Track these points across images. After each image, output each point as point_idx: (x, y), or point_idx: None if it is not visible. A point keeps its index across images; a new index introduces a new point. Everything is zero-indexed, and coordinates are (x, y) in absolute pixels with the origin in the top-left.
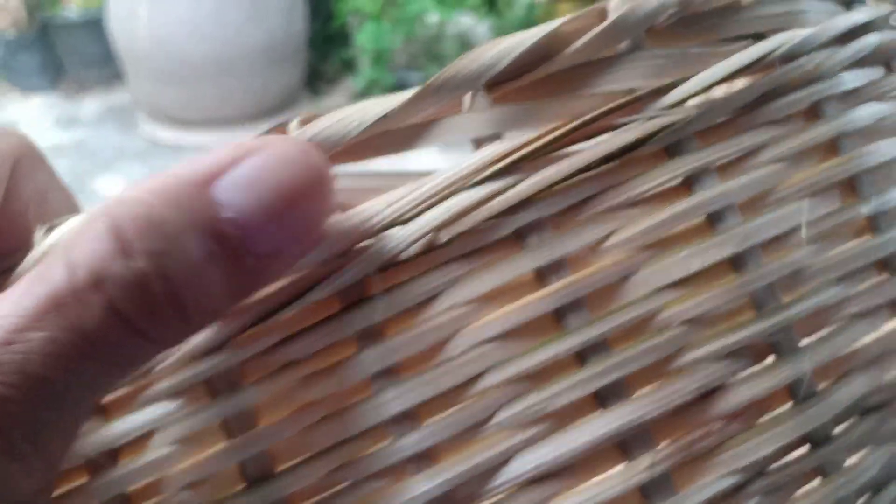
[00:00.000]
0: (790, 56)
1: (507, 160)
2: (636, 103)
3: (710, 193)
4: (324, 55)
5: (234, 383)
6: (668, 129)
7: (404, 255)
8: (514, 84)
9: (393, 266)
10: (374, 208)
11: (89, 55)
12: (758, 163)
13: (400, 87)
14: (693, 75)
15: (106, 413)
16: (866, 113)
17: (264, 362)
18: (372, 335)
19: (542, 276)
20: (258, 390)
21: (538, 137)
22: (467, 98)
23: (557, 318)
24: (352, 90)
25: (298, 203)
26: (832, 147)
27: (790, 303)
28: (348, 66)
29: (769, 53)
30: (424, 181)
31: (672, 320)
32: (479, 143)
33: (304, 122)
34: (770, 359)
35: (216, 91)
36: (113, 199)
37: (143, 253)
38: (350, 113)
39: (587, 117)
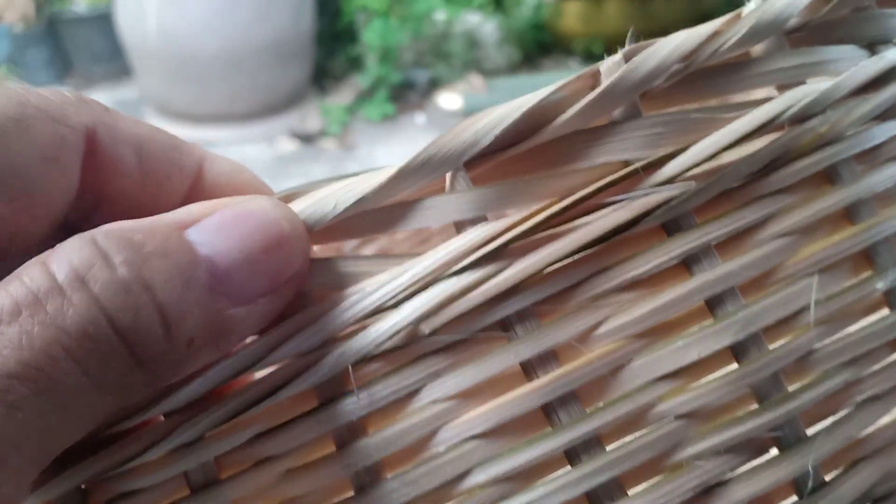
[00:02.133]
0: (803, 115)
1: (491, 246)
2: (630, 178)
3: (710, 276)
4: (331, 52)
5: (212, 477)
6: (665, 206)
7: (384, 347)
8: (499, 158)
9: (373, 358)
10: (353, 298)
11: (97, 50)
12: (763, 238)
13: (407, 84)
14: (694, 143)
15: (88, 499)
16: (889, 173)
17: (241, 457)
18: (352, 431)
19: (530, 368)
20: (235, 485)
21: (523, 220)
22: (449, 176)
23: (546, 414)
24: (359, 87)
25: (268, 251)
26: (847, 215)
27: (796, 392)
28: (355, 64)
29: (780, 114)
30: (404, 268)
31: (668, 414)
32: (461, 226)
33: (283, 201)
34: (773, 451)
35: (224, 87)
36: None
37: (124, 263)
38: (327, 194)
39: (576, 196)
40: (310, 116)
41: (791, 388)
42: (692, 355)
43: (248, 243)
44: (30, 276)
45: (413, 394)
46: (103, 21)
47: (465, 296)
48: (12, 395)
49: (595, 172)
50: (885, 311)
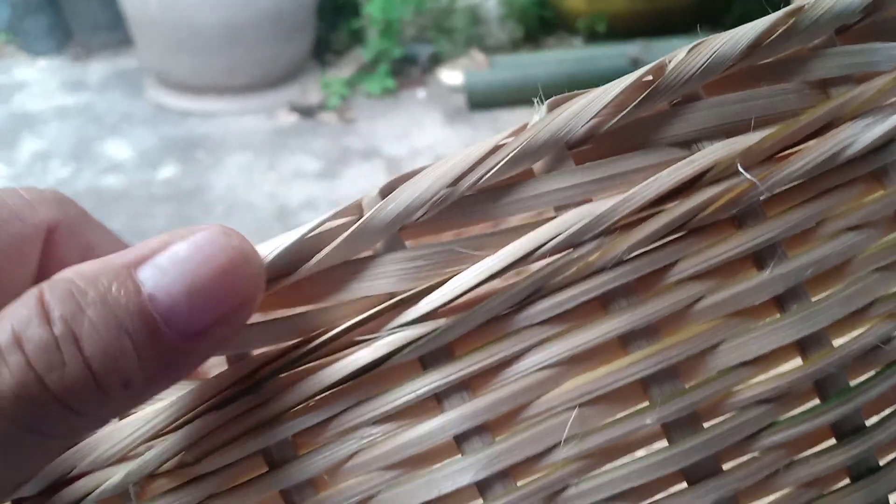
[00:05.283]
0: (571, 243)
1: (251, 380)
2: (386, 314)
3: (461, 412)
4: (333, 25)
5: None
6: (413, 344)
7: (163, 469)
8: (267, 292)
9: (156, 476)
10: (133, 425)
11: (98, 19)
12: (519, 371)
13: (408, 59)
14: (453, 276)
15: None
16: (678, 297)
17: None
18: None
19: (288, 497)
20: None
21: (279, 355)
22: None
23: None
24: (360, 61)
25: (218, 284)
26: (622, 344)
27: None
28: (357, 37)
29: (542, 245)
30: (170, 402)
31: None
32: (230, 361)
33: None
34: None
35: (224, 58)
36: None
37: (59, 319)
38: None
39: (326, 336)
40: (310, 89)
41: None
42: (434, 492)
43: (195, 279)
44: None
45: None
46: None
47: (226, 427)
48: None
49: (360, 305)
50: (662, 443)
